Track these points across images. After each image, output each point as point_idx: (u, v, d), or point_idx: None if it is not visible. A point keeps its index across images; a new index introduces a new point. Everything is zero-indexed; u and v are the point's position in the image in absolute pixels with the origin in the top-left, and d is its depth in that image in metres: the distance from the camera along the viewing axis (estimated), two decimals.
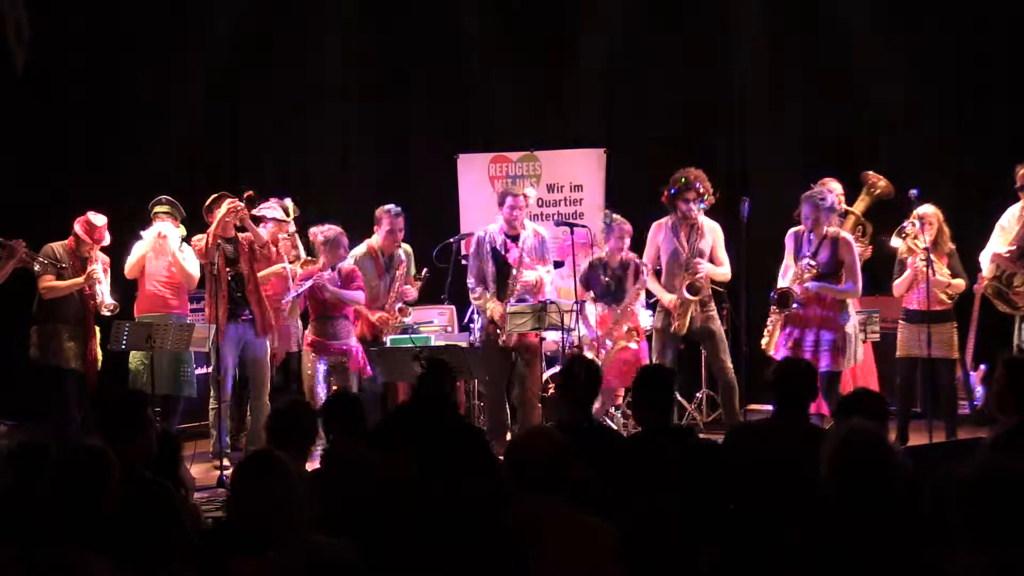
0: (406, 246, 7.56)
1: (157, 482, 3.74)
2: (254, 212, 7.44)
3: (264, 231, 7.62)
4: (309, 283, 7.04)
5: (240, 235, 7.18)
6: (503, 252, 7.11)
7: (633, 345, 7.28)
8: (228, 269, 7.02)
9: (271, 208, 7.68)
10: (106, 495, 3.19)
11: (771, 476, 3.82)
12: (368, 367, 7.31)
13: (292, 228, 7.70)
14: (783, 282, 6.84)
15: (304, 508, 3.10)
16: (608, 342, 7.21)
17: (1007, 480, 2.56)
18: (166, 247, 7.23)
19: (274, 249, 7.32)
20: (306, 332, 7.31)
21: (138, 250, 7.27)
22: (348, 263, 7.31)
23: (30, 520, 3.18)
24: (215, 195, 7.24)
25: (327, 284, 7.05)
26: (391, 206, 7.39)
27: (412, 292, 7.45)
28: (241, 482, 3.15)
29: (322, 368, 7.09)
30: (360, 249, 7.43)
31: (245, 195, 7.10)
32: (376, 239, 7.40)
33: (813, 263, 6.61)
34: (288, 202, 7.76)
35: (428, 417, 4.57)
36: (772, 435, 4.21)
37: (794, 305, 6.61)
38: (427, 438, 4.38)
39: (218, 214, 7.00)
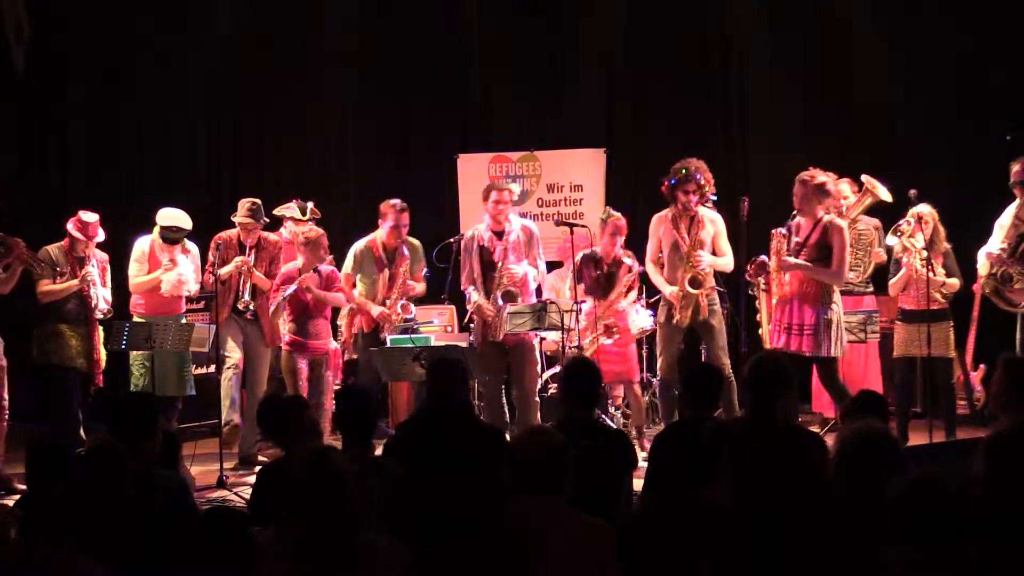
0: (415, 240, 7.52)
1: (174, 477, 3.77)
2: (274, 212, 7.62)
3: (284, 231, 7.66)
4: (293, 287, 7.02)
5: (263, 235, 7.28)
6: (490, 249, 7.09)
7: (608, 341, 7.26)
8: (244, 305, 7.16)
9: (289, 208, 7.71)
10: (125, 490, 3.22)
11: (746, 473, 3.83)
12: (340, 371, 7.32)
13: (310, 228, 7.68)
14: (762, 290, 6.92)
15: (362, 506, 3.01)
16: (589, 335, 7.21)
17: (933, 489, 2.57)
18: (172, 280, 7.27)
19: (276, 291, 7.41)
20: (284, 332, 7.29)
21: (143, 270, 7.26)
22: (348, 262, 7.35)
23: (46, 519, 3.19)
24: (244, 220, 7.24)
25: (311, 286, 7.05)
26: (395, 200, 7.35)
27: (418, 288, 7.41)
28: (297, 485, 3.01)
29: (304, 366, 7.10)
30: (361, 243, 7.42)
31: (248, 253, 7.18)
32: (380, 233, 7.38)
33: (798, 238, 6.54)
34: (309, 204, 7.77)
35: (447, 419, 4.54)
36: (746, 432, 4.20)
37: (763, 260, 6.63)
38: (447, 440, 4.35)
39: (227, 268, 7.11)
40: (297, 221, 7.69)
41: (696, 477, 3.73)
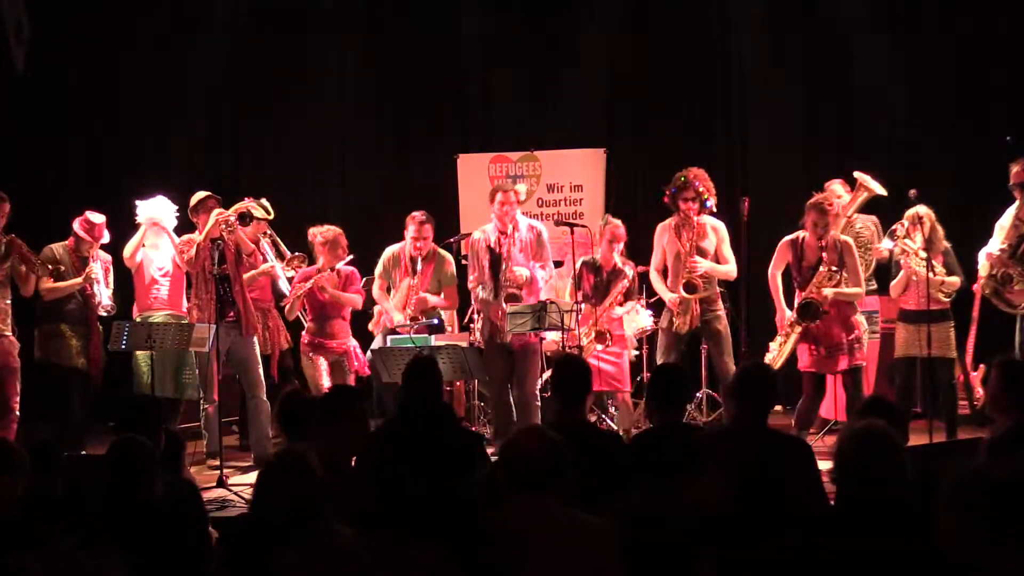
0: (446, 254, 7.52)
1: (183, 482, 3.78)
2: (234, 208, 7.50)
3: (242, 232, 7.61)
4: (309, 284, 7.03)
5: (226, 236, 7.14)
6: (497, 249, 7.09)
7: (599, 347, 7.27)
8: (215, 270, 7.01)
9: (253, 207, 7.64)
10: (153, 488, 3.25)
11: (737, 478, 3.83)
12: (366, 366, 7.31)
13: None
14: (779, 296, 6.89)
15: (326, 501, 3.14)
16: (584, 341, 7.21)
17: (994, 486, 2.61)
18: (160, 229, 7.29)
19: (258, 253, 7.36)
20: (303, 332, 7.29)
21: (136, 235, 7.33)
22: (379, 266, 7.40)
23: (48, 521, 3.20)
24: (201, 196, 7.23)
25: (327, 285, 7.05)
26: (417, 212, 7.37)
27: (431, 300, 7.38)
28: (268, 480, 3.19)
29: (324, 365, 7.10)
30: (393, 249, 7.46)
31: (238, 211, 7.08)
32: (407, 243, 7.41)
33: (836, 268, 6.65)
34: (264, 201, 7.68)
35: (420, 421, 4.53)
36: (736, 438, 4.21)
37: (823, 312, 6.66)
38: (421, 442, 4.35)
39: (207, 224, 7.02)
40: (258, 221, 7.57)
41: (681, 476, 3.74)
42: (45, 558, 2.94)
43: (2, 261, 6.67)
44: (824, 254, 6.68)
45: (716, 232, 7.14)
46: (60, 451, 3.98)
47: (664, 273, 7.24)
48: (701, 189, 7.04)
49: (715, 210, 7.18)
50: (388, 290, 7.45)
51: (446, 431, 4.51)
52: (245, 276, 7.30)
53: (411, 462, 4.14)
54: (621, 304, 7.43)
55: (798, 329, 6.74)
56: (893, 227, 7.03)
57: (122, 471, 3.37)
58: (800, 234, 6.84)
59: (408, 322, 7.21)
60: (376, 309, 7.64)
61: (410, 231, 7.33)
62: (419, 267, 7.32)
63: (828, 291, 6.65)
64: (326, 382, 7.07)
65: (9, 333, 6.72)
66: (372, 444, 4.56)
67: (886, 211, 7.59)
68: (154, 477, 3.39)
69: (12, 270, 6.75)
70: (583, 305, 7.29)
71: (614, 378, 7.36)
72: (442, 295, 7.45)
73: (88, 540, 3.05)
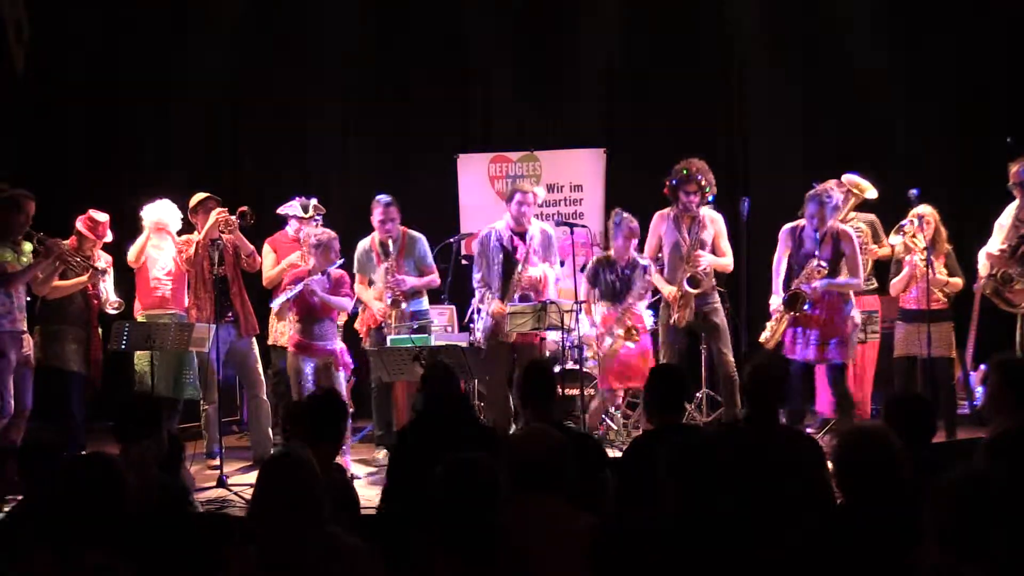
0: (415, 233, 7.50)
1: (174, 485, 3.77)
2: (277, 211, 7.57)
3: (289, 229, 7.63)
4: (299, 288, 7.02)
5: (224, 237, 7.15)
6: (511, 249, 7.08)
7: (631, 345, 7.26)
8: (214, 270, 7.02)
9: (291, 207, 7.70)
10: (123, 500, 3.22)
11: (747, 476, 3.83)
12: (349, 369, 7.31)
13: (317, 224, 7.67)
14: (778, 279, 6.88)
15: (326, 503, 3.13)
16: (608, 339, 7.19)
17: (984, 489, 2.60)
18: (165, 230, 7.30)
19: (257, 255, 7.40)
20: (291, 333, 7.30)
21: (141, 238, 7.33)
22: (355, 262, 7.37)
23: (41, 521, 3.19)
24: (201, 196, 7.24)
25: (316, 289, 7.04)
26: (380, 196, 7.37)
27: (409, 281, 7.38)
28: (267, 480, 3.16)
29: (309, 368, 7.09)
30: (363, 242, 7.47)
31: (239, 210, 7.09)
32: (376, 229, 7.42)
33: (824, 264, 6.63)
34: (312, 201, 7.75)
35: (445, 419, 4.54)
36: (746, 435, 4.22)
37: (805, 307, 6.63)
38: (445, 440, 4.34)
39: (206, 224, 7.04)
40: (301, 219, 7.67)
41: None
42: (44, 558, 2.94)
43: (41, 261, 6.68)
44: (817, 248, 6.68)
45: (714, 224, 7.14)
46: (59, 452, 3.98)
47: (657, 262, 7.24)
48: (703, 182, 7.02)
49: (710, 200, 7.16)
50: (370, 284, 7.45)
51: (465, 428, 4.52)
52: (274, 270, 7.40)
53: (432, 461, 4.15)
54: (641, 298, 7.42)
55: (786, 318, 6.75)
56: (902, 223, 7.04)
57: (81, 492, 3.30)
58: (800, 223, 6.85)
59: (392, 317, 7.19)
60: (361, 307, 7.63)
61: (376, 215, 7.31)
62: (391, 250, 7.29)
63: (817, 283, 6.64)
64: (310, 384, 7.06)
65: (26, 330, 6.73)
66: (398, 448, 4.61)
67: (887, 212, 7.59)
68: (120, 493, 3.28)
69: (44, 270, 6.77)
70: (599, 304, 7.26)
71: (644, 373, 7.35)
72: (421, 276, 7.44)
73: (87, 540, 3.04)
